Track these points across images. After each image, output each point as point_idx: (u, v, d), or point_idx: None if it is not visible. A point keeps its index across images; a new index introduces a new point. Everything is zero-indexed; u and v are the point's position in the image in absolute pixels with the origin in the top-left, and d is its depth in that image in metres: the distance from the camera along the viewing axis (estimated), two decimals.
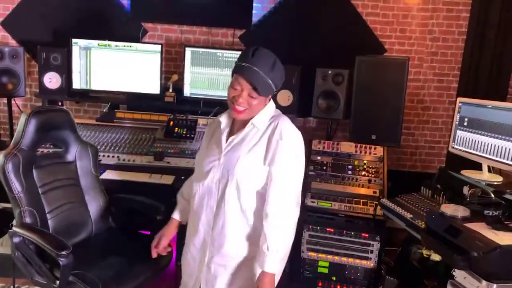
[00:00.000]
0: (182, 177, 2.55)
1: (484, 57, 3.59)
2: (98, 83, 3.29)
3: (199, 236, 1.66)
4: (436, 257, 2.37)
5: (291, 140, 1.55)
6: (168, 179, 2.51)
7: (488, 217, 1.83)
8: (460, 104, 2.47)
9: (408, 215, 2.18)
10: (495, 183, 2.23)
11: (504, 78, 3.57)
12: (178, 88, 3.33)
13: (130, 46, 3.24)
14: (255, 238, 1.59)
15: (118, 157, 2.72)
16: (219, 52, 3.25)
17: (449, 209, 1.92)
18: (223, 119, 1.66)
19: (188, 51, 3.25)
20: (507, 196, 1.93)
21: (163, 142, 2.95)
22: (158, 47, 3.27)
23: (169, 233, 1.84)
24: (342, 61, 3.20)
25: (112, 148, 2.82)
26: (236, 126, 1.65)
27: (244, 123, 1.60)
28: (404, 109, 3.05)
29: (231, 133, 1.65)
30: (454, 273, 1.89)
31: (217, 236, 1.60)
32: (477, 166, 2.39)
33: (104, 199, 2.31)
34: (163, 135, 3.01)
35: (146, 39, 3.66)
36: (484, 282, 1.64)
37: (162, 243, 1.82)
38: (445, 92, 3.84)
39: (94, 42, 3.25)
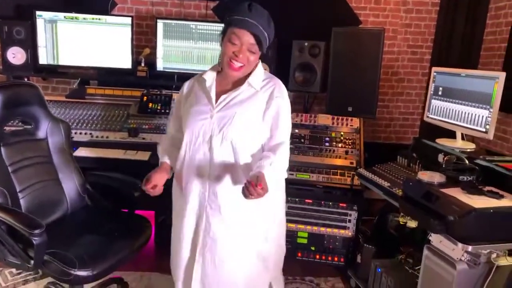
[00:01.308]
0: None
1: (457, 28, 3.63)
2: (66, 58, 3.15)
3: (192, 198, 1.62)
4: (412, 224, 2.40)
5: (287, 100, 1.63)
6: (143, 155, 2.45)
7: (463, 182, 1.88)
8: (435, 73, 2.49)
9: (386, 184, 2.22)
10: (468, 150, 2.27)
11: (475, 48, 3.63)
12: (151, 62, 3.23)
13: (99, 19, 3.10)
14: None
15: (90, 134, 2.64)
16: (192, 24, 3.15)
17: (426, 176, 1.95)
18: (207, 77, 1.61)
19: (160, 24, 3.14)
20: (481, 162, 1.98)
21: (137, 118, 2.87)
22: (128, 20, 3.14)
23: (163, 172, 1.66)
24: (319, 33, 3.17)
25: (84, 125, 2.73)
26: (223, 85, 1.61)
27: (234, 82, 1.58)
28: (380, 80, 3.06)
29: (219, 92, 1.60)
30: (430, 238, 1.94)
31: (213, 197, 1.58)
32: (450, 135, 2.44)
33: (79, 177, 2.24)
34: (136, 111, 2.93)
35: (115, 11, 3.51)
36: (460, 245, 1.69)
37: (158, 181, 1.63)
38: (418, 64, 3.88)
39: (60, 15, 3.09)
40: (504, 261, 1.73)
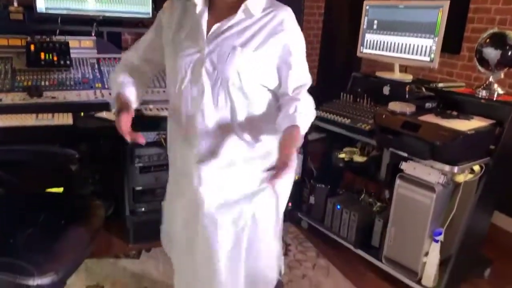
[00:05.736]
0: (82, 113, 2.00)
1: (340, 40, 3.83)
2: None
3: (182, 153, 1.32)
4: (358, 158, 2.48)
5: (299, 34, 1.27)
6: (65, 119, 1.90)
7: (432, 109, 1.95)
8: (368, 7, 2.48)
9: (347, 121, 2.18)
10: (407, 80, 2.37)
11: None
12: (27, 1, 2.47)
13: None
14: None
15: None
16: None
17: (397, 106, 1.97)
18: (198, 0, 1.24)
19: None
20: (441, 88, 2.10)
21: (28, 74, 2.21)
22: None
23: (128, 108, 1.28)
24: None
25: None
26: (217, 12, 1.25)
27: (230, 9, 1.23)
28: None
29: (212, 20, 1.24)
30: (402, 167, 1.98)
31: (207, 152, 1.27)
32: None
33: None
34: (25, 64, 2.25)
35: None
36: (447, 167, 1.76)
37: (126, 122, 1.25)
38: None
39: None
40: (464, 177, 1.88)
